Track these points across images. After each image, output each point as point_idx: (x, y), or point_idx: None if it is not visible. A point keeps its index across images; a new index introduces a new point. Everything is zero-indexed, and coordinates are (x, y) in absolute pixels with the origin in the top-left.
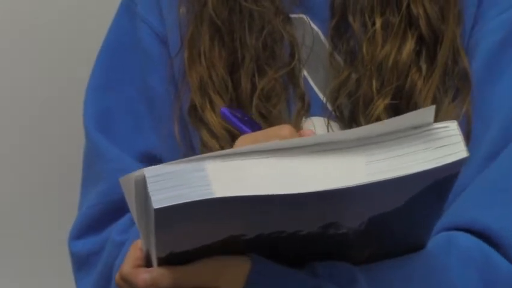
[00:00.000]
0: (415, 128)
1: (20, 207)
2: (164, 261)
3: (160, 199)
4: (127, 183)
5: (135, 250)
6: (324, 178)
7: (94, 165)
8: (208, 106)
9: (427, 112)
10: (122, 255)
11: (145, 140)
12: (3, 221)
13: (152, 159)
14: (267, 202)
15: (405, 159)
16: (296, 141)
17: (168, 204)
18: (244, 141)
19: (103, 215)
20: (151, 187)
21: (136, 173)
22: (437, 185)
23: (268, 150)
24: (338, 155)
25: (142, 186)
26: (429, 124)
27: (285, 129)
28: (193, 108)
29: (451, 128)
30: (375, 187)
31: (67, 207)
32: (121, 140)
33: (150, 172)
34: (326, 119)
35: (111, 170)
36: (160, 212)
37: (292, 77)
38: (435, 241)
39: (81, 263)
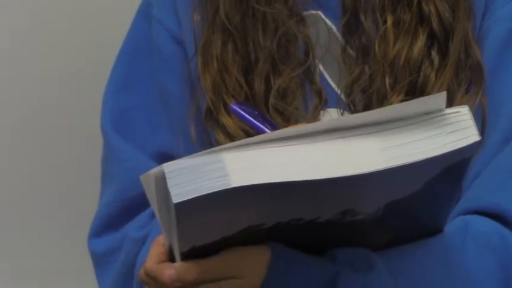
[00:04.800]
0: (427, 113)
1: (20, 207)
2: (187, 256)
3: (179, 193)
4: (147, 180)
5: (158, 245)
6: (340, 164)
7: (111, 164)
8: (222, 109)
9: (439, 97)
10: (144, 251)
11: (161, 140)
12: (4, 221)
13: (168, 159)
14: (284, 189)
15: (419, 145)
16: (310, 127)
17: (187, 198)
18: None
19: (120, 213)
20: (170, 182)
21: (156, 169)
22: (451, 169)
23: (283, 138)
24: (353, 141)
25: (161, 181)
26: (441, 110)
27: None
28: (208, 110)
29: (463, 113)
30: (390, 173)
31: (67, 207)
32: (137, 139)
33: (169, 167)
34: (340, 111)
35: (126, 168)
36: (180, 206)
37: (308, 74)
38: (452, 225)
39: (100, 262)
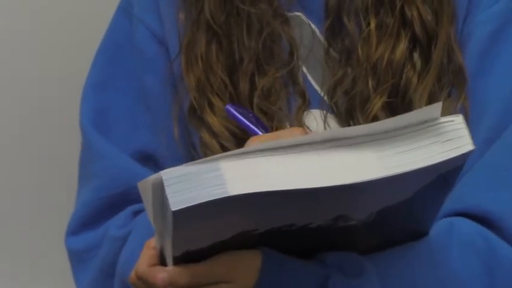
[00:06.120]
0: (422, 123)
1: (20, 207)
2: (179, 260)
3: (177, 201)
4: (144, 186)
5: (149, 249)
6: (336, 173)
7: (90, 162)
8: (207, 107)
9: (434, 108)
10: (126, 250)
11: (141, 138)
12: (4, 221)
13: (148, 158)
14: (281, 198)
15: (414, 154)
16: (308, 137)
17: (186, 206)
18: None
19: (99, 211)
20: (168, 190)
21: (153, 176)
22: (443, 177)
23: (281, 147)
24: (349, 150)
25: (159, 189)
26: (435, 119)
27: (296, 131)
28: (192, 109)
29: (457, 122)
30: (385, 181)
31: (67, 207)
32: (117, 138)
33: (167, 174)
34: (323, 112)
35: (106, 167)
36: (178, 213)
37: (292, 75)
38: (437, 227)
39: (78, 259)
